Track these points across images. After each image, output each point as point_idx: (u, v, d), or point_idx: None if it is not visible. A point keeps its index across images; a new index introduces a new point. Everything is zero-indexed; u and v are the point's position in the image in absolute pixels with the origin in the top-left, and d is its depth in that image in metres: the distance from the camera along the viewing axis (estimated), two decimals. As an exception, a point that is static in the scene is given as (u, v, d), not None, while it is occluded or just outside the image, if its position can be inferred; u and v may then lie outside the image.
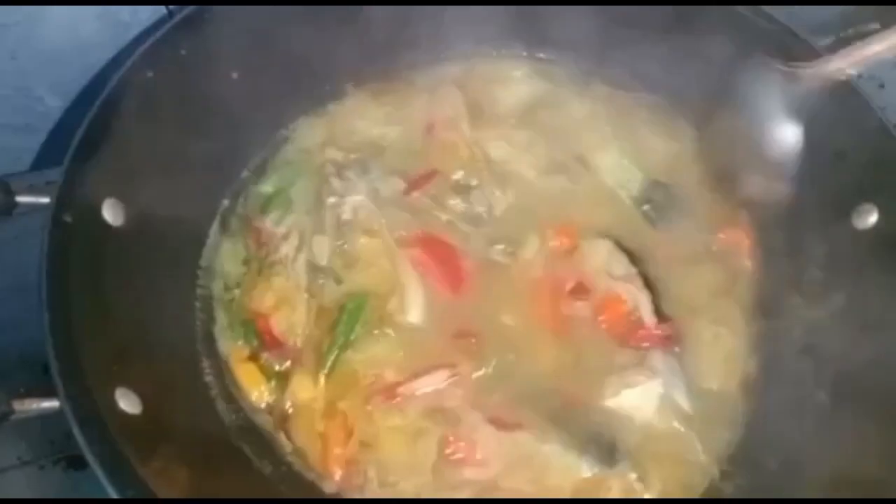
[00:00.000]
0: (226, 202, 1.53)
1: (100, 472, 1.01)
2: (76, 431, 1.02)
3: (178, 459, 1.15)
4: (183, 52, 1.37)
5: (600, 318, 1.37)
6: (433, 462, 1.29)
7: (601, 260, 1.40)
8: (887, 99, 1.44)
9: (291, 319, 1.39)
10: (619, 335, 1.36)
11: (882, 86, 1.68)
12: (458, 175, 1.53)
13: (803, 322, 1.36)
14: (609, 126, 1.59)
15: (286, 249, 1.46)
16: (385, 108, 1.62)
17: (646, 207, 1.50)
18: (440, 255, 1.45)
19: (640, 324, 1.36)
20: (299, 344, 1.37)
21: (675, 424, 1.32)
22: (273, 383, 1.35)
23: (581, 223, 1.48)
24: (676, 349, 1.36)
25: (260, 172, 1.55)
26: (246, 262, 1.47)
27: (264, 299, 1.41)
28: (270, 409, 1.35)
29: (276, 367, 1.37)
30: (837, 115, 1.31)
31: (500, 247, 1.46)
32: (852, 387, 1.23)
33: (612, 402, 1.31)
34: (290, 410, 1.34)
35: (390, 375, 1.34)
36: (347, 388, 1.35)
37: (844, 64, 1.20)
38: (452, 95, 1.59)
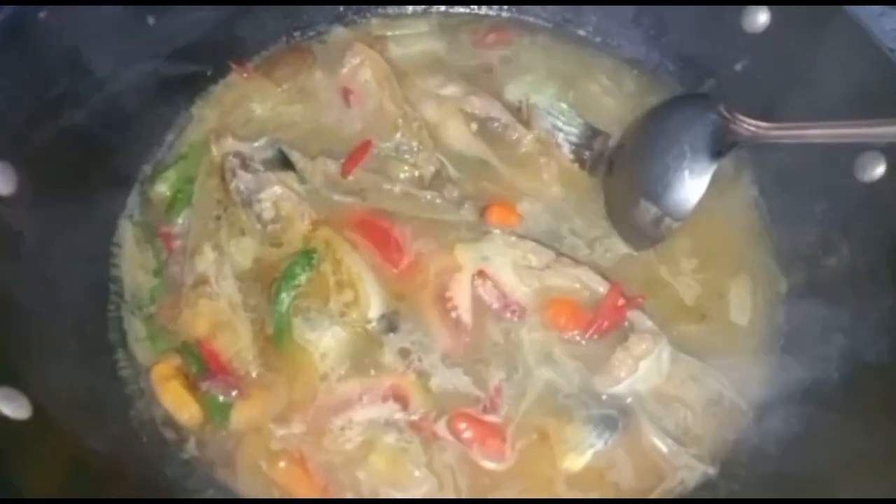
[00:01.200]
0: (145, 168, 1.33)
1: None
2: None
3: (80, 482, 0.92)
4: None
5: (559, 323, 1.22)
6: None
7: (506, 258, 1.26)
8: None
9: (237, 346, 1.18)
10: (590, 330, 1.21)
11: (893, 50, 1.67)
12: (395, 140, 1.37)
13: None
14: (542, 70, 1.48)
15: (204, 265, 1.24)
16: (283, 86, 1.44)
17: (586, 154, 1.39)
18: (378, 237, 1.28)
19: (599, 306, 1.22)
20: (253, 373, 1.16)
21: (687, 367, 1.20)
22: (217, 418, 1.12)
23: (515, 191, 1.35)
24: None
25: (155, 170, 1.34)
26: (157, 272, 1.25)
27: (196, 325, 1.20)
28: (204, 442, 1.12)
29: (221, 399, 1.13)
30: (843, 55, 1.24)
31: (468, 206, 1.31)
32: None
33: (627, 383, 1.17)
34: (234, 448, 1.12)
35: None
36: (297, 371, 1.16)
37: (781, 135, 1.19)
38: (369, 55, 1.42)
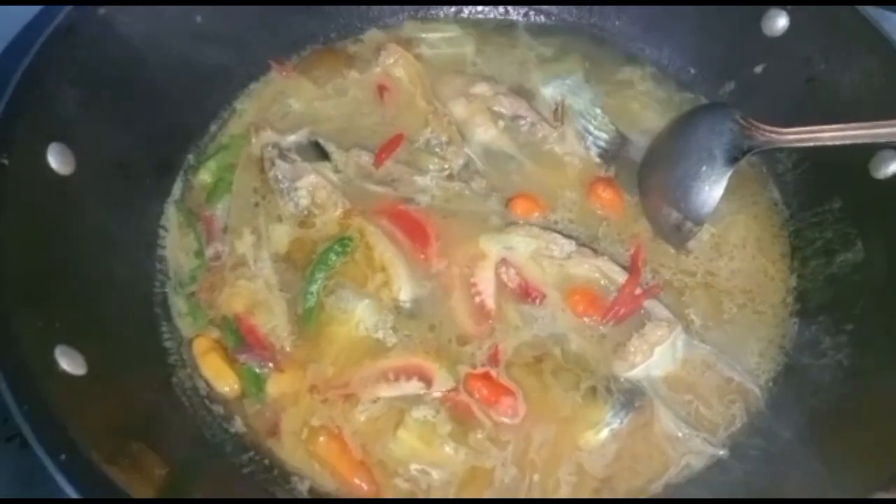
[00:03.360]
0: (189, 157, 1.41)
1: (28, 433, 0.85)
2: (3, 389, 0.86)
3: (126, 432, 0.99)
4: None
5: (579, 310, 1.27)
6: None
7: (528, 248, 1.31)
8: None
9: (272, 323, 1.25)
10: (608, 317, 1.26)
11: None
12: (426, 134, 1.44)
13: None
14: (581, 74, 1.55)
15: (243, 248, 1.32)
16: (320, 83, 1.52)
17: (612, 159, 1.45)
18: (408, 225, 1.35)
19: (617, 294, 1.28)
20: (287, 348, 1.23)
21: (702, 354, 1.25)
22: (253, 389, 1.19)
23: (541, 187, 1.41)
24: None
25: (198, 159, 1.42)
26: (198, 254, 1.32)
27: (235, 303, 1.27)
28: (249, 416, 1.19)
29: (257, 370, 1.21)
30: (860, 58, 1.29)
31: (494, 197, 1.38)
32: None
33: (642, 368, 1.22)
34: (277, 420, 1.18)
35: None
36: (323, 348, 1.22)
37: (795, 139, 1.25)
38: (402, 55, 1.51)
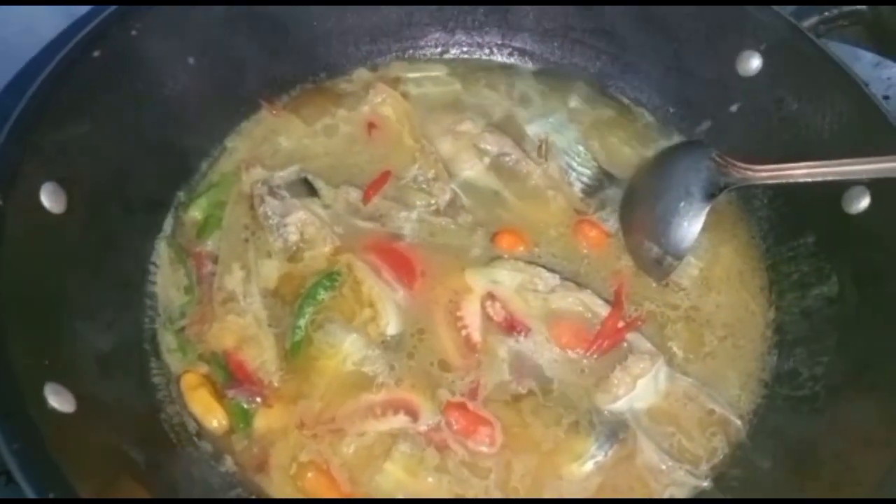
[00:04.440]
0: (180, 195, 1.43)
1: (17, 471, 0.86)
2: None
3: (114, 468, 1.01)
4: (134, 32, 1.28)
5: (562, 342, 1.30)
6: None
7: (513, 282, 1.34)
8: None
9: (262, 358, 1.27)
10: (591, 349, 1.29)
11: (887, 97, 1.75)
12: (413, 171, 1.48)
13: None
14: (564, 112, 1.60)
15: (232, 284, 1.34)
16: (309, 121, 1.56)
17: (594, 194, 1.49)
18: (394, 259, 1.38)
19: (600, 327, 1.31)
20: (276, 383, 1.25)
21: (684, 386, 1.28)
22: (241, 425, 1.21)
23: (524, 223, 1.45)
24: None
25: (189, 196, 1.44)
26: (188, 290, 1.34)
27: (224, 338, 1.29)
28: (237, 452, 1.20)
29: (245, 405, 1.22)
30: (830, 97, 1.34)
31: (480, 232, 1.41)
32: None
33: (625, 400, 1.24)
34: (265, 456, 1.19)
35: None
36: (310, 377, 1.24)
37: (769, 176, 1.30)
38: (390, 94, 1.55)
